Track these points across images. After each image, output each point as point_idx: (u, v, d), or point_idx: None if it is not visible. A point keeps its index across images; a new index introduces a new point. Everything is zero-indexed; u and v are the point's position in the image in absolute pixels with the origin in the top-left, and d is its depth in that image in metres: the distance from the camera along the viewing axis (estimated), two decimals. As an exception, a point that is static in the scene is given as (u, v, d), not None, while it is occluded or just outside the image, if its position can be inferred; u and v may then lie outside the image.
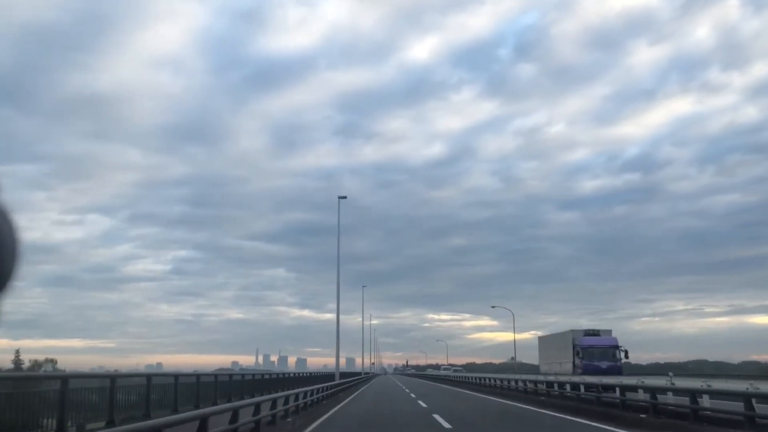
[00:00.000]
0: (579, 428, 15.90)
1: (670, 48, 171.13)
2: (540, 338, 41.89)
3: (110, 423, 12.89)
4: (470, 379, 51.67)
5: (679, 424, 14.85)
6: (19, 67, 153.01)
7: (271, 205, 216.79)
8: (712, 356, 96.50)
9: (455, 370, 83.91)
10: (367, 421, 18.85)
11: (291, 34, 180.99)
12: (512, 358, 58.28)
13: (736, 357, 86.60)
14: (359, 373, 77.15)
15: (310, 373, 50.49)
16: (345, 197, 35.87)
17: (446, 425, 15.96)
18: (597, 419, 17.17)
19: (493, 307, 66.35)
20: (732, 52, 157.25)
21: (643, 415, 16.87)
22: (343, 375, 49.54)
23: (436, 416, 18.17)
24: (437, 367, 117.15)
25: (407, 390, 40.22)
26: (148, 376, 15.72)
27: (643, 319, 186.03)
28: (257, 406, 13.00)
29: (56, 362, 47.51)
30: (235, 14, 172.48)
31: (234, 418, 11.20)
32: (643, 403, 17.86)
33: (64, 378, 11.54)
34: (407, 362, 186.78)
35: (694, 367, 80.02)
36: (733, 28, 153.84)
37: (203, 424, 9.35)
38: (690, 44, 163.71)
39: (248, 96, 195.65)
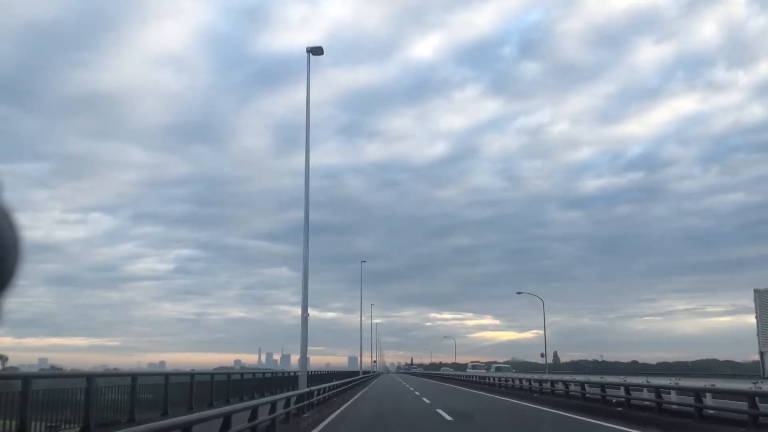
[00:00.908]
0: None
1: (675, 46, 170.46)
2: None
3: (131, 421, 13.22)
4: (532, 386, 31.08)
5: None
6: (20, 65, 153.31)
7: (273, 204, 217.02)
8: (711, 356, 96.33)
9: (498, 368, 60.91)
10: None
11: (294, 32, 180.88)
12: (541, 355, 51.66)
13: (737, 357, 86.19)
14: (355, 373, 60.83)
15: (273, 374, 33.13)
16: (320, 51, 22.34)
17: None
18: None
19: (518, 293, 58.64)
20: (738, 50, 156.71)
21: None
22: (333, 375, 39.07)
23: None
24: (461, 366, 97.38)
25: (426, 400, 27.56)
26: (167, 375, 16.07)
27: (645, 318, 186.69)
28: (273, 405, 13.32)
29: (7, 359, 46.54)
30: (238, 12, 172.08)
31: (253, 415, 11.51)
32: None
33: (90, 377, 11.88)
34: (412, 360, 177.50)
35: (708, 366, 78.13)
36: (739, 26, 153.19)
37: (227, 421, 9.69)
38: (695, 42, 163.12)
39: (251, 95, 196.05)
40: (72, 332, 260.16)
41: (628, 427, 15.62)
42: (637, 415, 17.60)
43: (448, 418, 18.85)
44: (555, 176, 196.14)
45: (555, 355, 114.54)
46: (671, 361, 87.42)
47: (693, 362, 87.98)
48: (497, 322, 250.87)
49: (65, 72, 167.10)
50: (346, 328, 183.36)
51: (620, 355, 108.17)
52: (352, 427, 17.46)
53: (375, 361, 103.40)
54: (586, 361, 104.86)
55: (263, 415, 12.31)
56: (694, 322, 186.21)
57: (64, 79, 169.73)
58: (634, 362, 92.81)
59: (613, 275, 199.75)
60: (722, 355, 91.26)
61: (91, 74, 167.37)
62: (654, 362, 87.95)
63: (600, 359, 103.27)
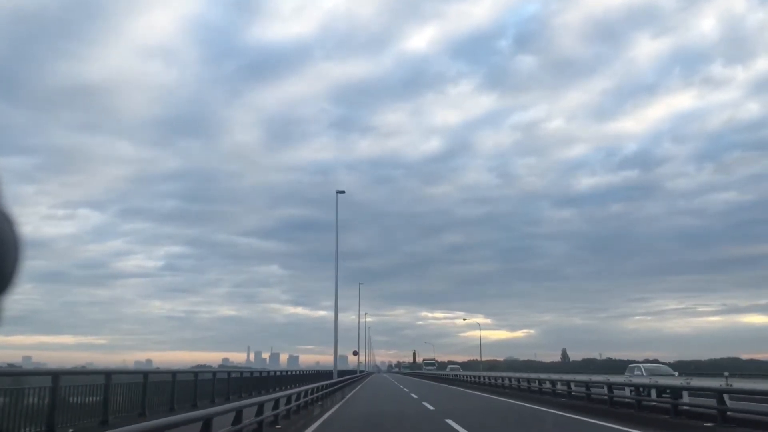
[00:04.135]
0: None
1: (673, 41, 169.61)
2: None
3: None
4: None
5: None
6: (4, 56, 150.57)
7: (264, 200, 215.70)
8: (704, 355, 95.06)
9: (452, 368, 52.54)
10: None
11: (286, 23, 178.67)
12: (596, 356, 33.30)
13: (736, 356, 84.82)
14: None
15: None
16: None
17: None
18: None
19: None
20: (736, 45, 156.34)
21: None
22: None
23: None
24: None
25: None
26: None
27: (636, 318, 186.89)
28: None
29: None
30: (229, 1, 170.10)
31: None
32: None
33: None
34: (415, 356, 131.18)
35: (728, 365, 74.02)
36: (738, 21, 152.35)
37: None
38: (694, 37, 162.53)
39: (242, 87, 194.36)
40: (59, 330, 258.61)
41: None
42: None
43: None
44: (549, 174, 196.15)
45: (564, 353, 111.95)
46: (687, 359, 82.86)
47: (709, 360, 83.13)
48: (488, 321, 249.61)
49: (51, 62, 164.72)
50: (339, 327, 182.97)
51: (611, 355, 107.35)
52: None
53: (355, 352, 71.61)
54: (594, 360, 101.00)
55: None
56: (685, 322, 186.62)
57: (50, 69, 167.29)
58: (655, 360, 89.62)
59: (605, 274, 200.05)
60: (710, 356, 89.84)
61: (78, 65, 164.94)
62: (672, 360, 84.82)
63: (599, 357, 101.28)
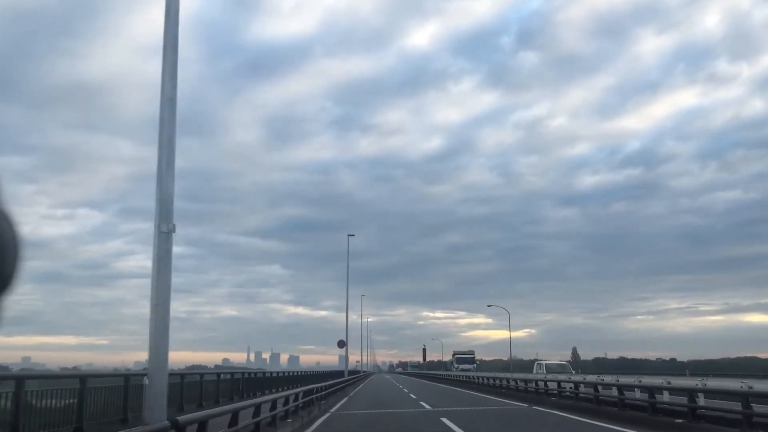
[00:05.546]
0: None
1: (677, 37, 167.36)
2: None
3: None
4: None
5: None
6: (2, 54, 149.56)
7: (265, 199, 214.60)
8: (705, 355, 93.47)
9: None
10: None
11: (286, 20, 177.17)
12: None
13: (730, 356, 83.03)
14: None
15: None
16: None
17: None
18: None
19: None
20: (742, 41, 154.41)
21: None
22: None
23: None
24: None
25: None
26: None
27: (638, 317, 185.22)
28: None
29: None
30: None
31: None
32: None
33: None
34: (425, 355, 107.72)
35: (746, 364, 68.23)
36: (743, 16, 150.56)
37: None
38: (698, 33, 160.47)
39: (241, 85, 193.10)
40: (60, 331, 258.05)
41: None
42: None
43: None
44: (551, 172, 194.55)
45: (575, 352, 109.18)
46: (702, 359, 79.30)
47: (722, 360, 78.55)
48: (490, 320, 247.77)
49: (49, 60, 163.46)
50: (339, 327, 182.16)
51: (611, 354, 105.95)
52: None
53: (342, 343, 51.36)
54: (605, 358, 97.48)
55: None
56: (686, 321, 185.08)
57: (48, 68, 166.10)
58: (672, 360, 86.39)
59: (607, 274, 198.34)
60: (712, 355, 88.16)
61: (76, 63, 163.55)
62: (686, 359, 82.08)
63: (606, 356, 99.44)
